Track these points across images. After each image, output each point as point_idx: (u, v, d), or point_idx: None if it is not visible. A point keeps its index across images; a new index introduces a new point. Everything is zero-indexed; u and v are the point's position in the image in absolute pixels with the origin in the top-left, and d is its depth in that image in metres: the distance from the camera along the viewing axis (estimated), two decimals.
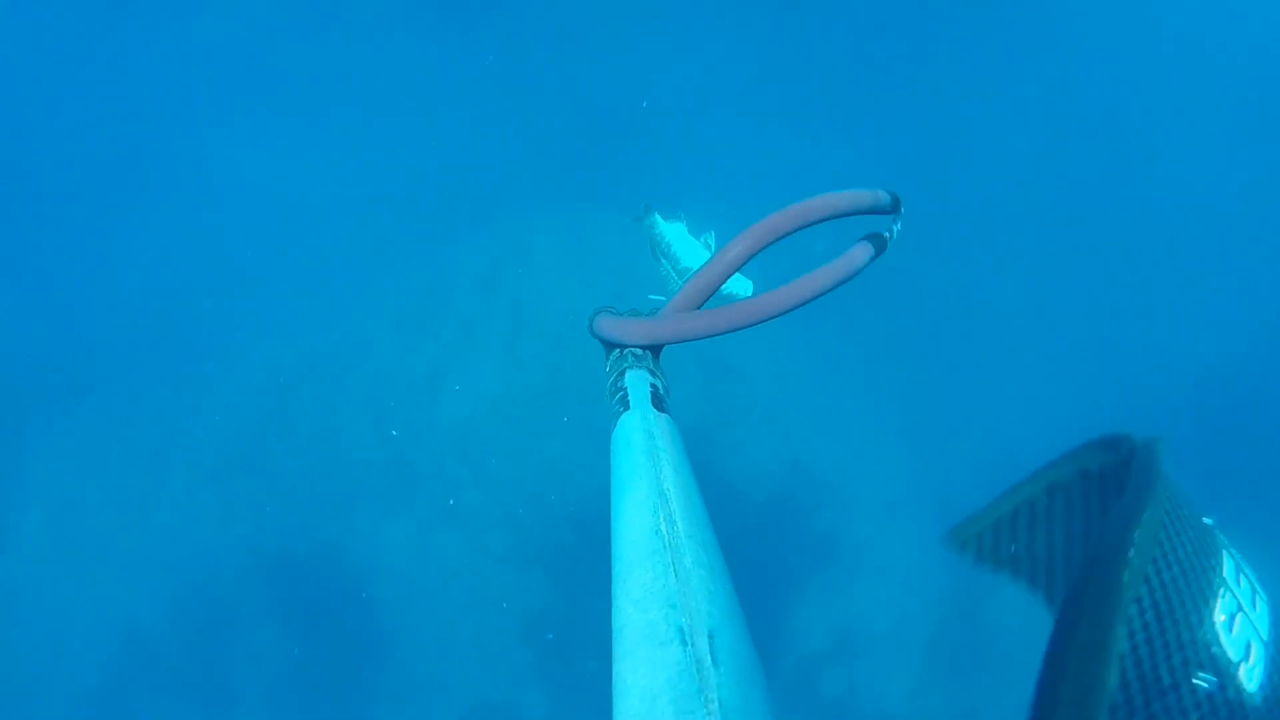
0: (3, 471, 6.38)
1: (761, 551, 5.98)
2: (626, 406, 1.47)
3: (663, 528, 1.13)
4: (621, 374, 1.60)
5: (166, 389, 6.39)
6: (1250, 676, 1.06)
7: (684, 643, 0.95)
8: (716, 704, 0.91)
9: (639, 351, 1.67)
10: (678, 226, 4.65)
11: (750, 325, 1.61)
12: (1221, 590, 1.16)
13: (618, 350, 1.70)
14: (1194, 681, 1.00)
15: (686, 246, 4.61)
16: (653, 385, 1.55)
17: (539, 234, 6.09)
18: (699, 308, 1.67)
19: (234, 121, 7.05)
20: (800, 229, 1.64)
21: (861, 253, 1.76)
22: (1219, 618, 1.11)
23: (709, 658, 0.95)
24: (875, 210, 1.80)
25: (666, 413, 1.48)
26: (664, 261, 4.60)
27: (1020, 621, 6.56)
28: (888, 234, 1.84)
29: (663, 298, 4.28)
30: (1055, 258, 7.68)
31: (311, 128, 6.96)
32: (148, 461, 6.28)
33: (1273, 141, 8.12)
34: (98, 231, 6.84)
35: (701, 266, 1.66)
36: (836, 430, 6.33)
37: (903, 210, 1.86)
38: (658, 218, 4.58)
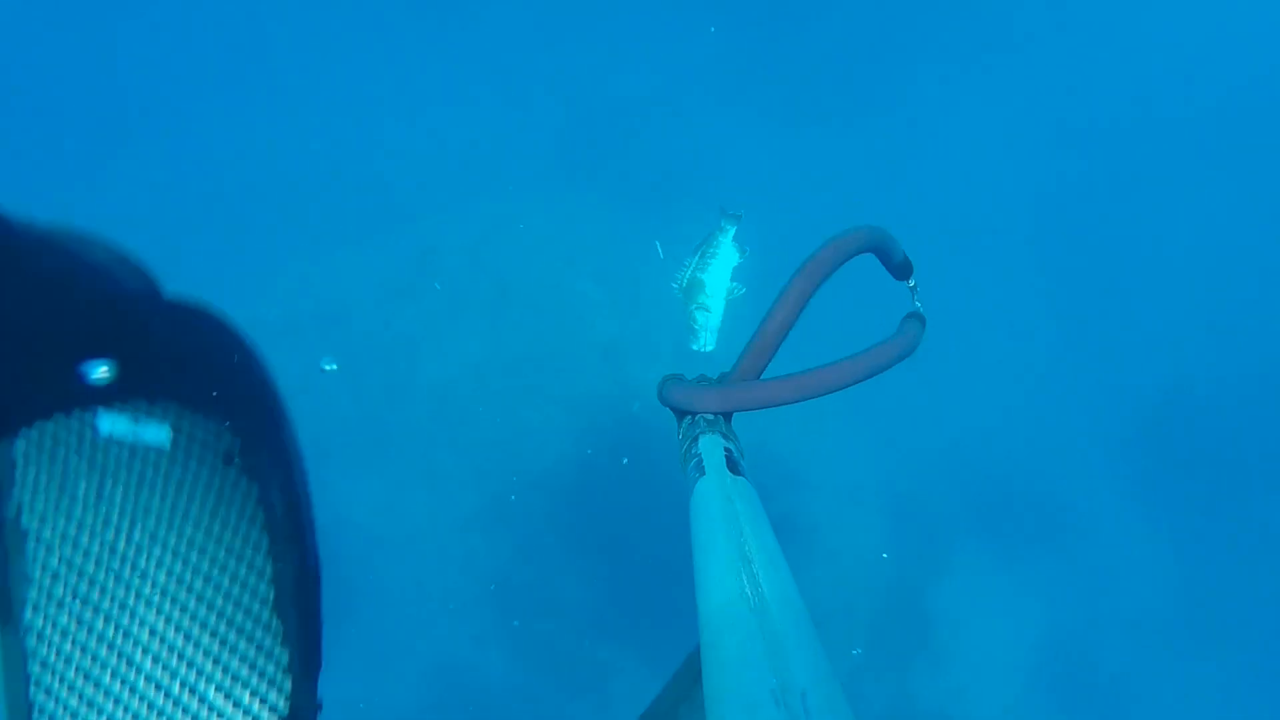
0: None
1: None
2: (702, 473, 1.48)
3: (748, 591, 1.15)
4: (695, 440, 1.61)
5: None
6: None
7: (777, 703, 0.96)
8: None
9: (710, 416, 1.68)
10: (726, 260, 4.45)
11: (827, 393, 1.63)
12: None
13: (690, 417, 1.70)
14: None
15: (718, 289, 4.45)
16: (727, 449, 1.55)
17: (526, 212, 6.28)
18: (763, 370, 1.69)
19: (233, 92, 7.14)
20: (841, 265, 1.67)
21: (914, 329, 1.83)
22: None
23: (804, 717, 0.95)
24: (886, 261, 1.89)
25: (742, 475, 1.47)
26: (697, 302, 4.46)
27: (957, 612, 7.00)
28: (916, 304, 1.94)
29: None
30: (1021, 258, 8.03)
31: (311, 99, 7.08)
32: None
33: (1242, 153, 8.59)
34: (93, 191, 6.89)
35: (760, 326, 1.67)
36: (803, 417, 6.64)
37: (913, 283, 1.97)
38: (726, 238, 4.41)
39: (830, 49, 8.17)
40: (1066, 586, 7.20)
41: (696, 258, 4.58)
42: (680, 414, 1.74)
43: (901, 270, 1.95)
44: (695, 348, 6.40)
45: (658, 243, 4.98)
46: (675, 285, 4.49)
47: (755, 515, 1.33)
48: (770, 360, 1.69)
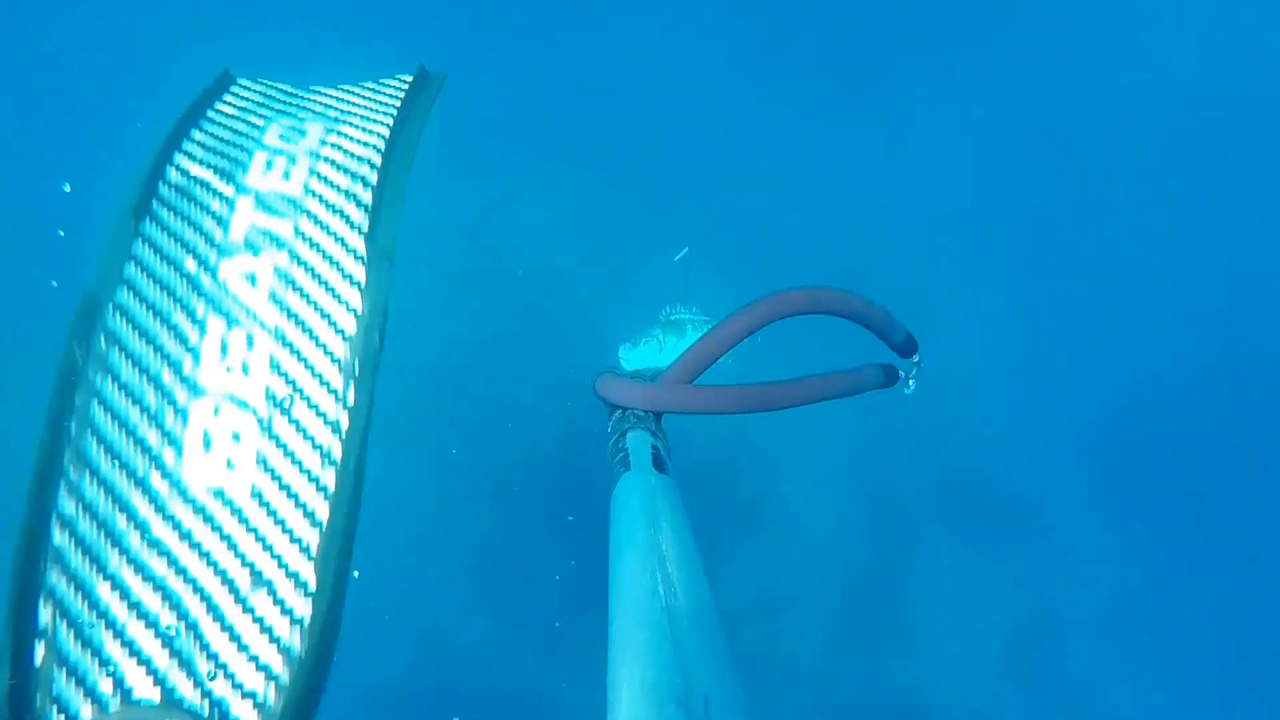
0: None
1: (696, 511, 6.41)
2: (627, 468, 1.45)
3: (660, 590, 1.11)
4: (623, 435, 1.59)
5: None
6: None
7: (680, 705, 0.94)
8: None
9: (641, 413, 1.67)
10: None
11: (758, 410, 1.60)
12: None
13: (621, 411, 1.70)
14: None
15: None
16: (654, 447, 1.54)
17: (523, 191, 6.45)
18: (699, 376, 1.66)
19: (234, 56, 7.18)
20: (811, 311, 1.62)
21: (873, 376, 1.77)
22: None
23: None
24: (883, 336, 1.79)
25: (668, 474, 1.46)
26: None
27: (928, 596, 7.15)
28: (904, 376, 1.85)
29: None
30: (995, 255, 8.20)
31: (312, 71, 7.14)
32: None
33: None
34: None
35: (704, 336, 1.65)
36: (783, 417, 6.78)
37: (918, 358, 1.85)
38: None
39: (832, 39, 8.30)
40: (1034, 574, 7.39)
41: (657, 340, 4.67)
42: (612, 407, 1.74)
43: (905, 350, 1.87)
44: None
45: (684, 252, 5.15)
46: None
47: (676, 515, 1.33)
48: (705, 369, 1.67)
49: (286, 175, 0.96)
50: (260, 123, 1.06)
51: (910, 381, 1.87)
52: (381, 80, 1.25)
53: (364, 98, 1.19)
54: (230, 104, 1.11)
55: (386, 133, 1.08)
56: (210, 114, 1.10)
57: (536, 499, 5.96)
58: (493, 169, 6.60)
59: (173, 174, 0.95)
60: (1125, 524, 7.79)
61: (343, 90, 1.24)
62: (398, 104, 1.15)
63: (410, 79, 1.23)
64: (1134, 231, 8.69)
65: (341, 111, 1.13)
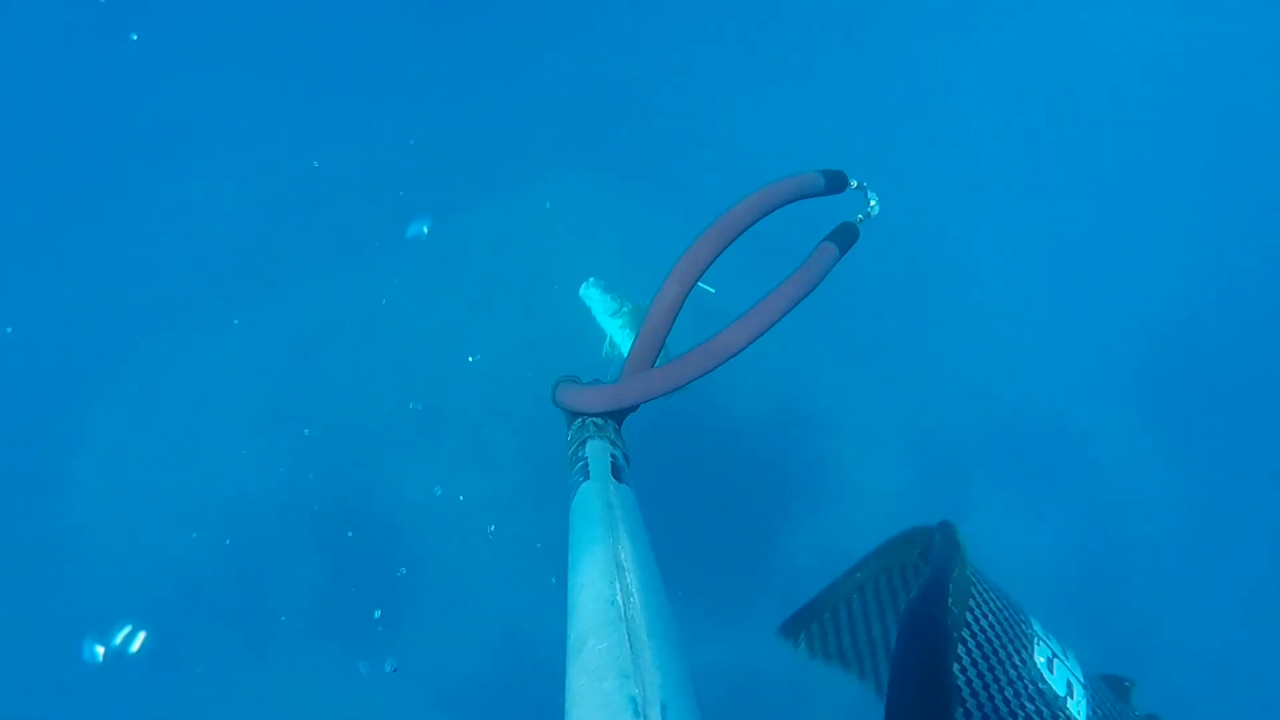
0: (60, 423, 6.82)
1: (754, 478, 6.60)
2: (586, 476, 1.45)
3: (618, 598, 1.13)
4: (583, 443, 1.58)
5: (206, 345, 6.81)
6: (1076, 710, 1.31)
7: (636, 714, 0.95)
8: None
9: (600, 421, 1.65)
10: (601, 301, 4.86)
11: (712, 368, 1.57)
12: (1035, 640, 1.41)
13: (580, 420, 1.67)
14: (1028, 709, 1.20)
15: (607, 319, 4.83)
16: (613, 455, 1.54)
17: (552, 200, 6.61)
18: (653, 363, 1.63)
19: (261, 80, 7.39)
20: (727, 245, 1.55)
21: (822, 260, 1.66)
22: (1039, 659, 1.34)
23: None
24: (811, 194, 1.70)
25: (626, 484, 1.46)
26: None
27: (985, 539, 7.28)
28: (863, 216, 1.76)
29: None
30: (1031, 197, 8.23)
31: (335, 91, 7.34)
32: (190, 412, 6.75)
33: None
34: (137, 188, 7.14)
35: (645, 319, 1.62)
36: (823, 369, 6.93)
37: (856, 182, 1.74)
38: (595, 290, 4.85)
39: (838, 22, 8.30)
40: (1087, 514, 7.47)
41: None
42: (571, 416, 1.71)
43: (835, 186, 1.76)
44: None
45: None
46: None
47: (634, 524, 1.32)
48: (657, 353, 1.62)
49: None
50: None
51: (870, 200, 1.75)
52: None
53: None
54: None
55: None
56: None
57: None
58: (522, 180, 6.78)
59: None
60: (1177, 453, 7.80)
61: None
62: None
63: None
64: (1172, 157, 8.61)
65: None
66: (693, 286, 1.55)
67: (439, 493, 6.34)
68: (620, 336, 5.04)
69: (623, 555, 1.22)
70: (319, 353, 6.77)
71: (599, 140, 7.01)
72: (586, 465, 1.49)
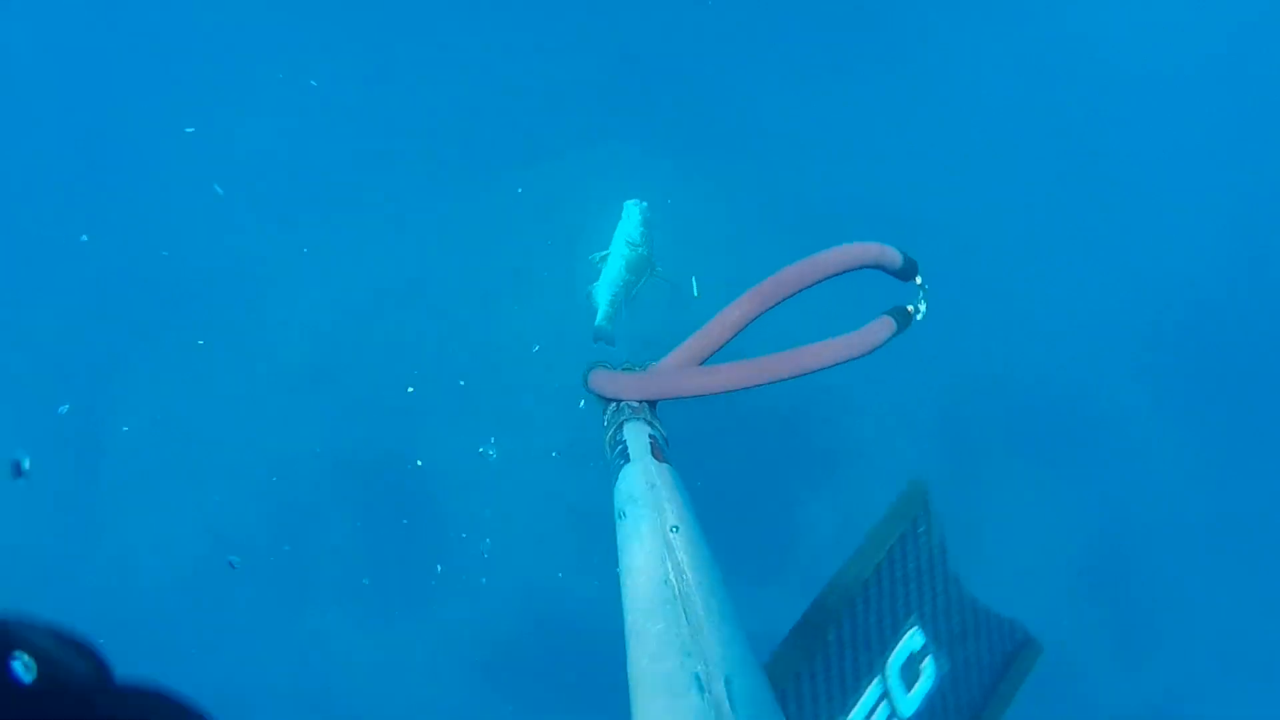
0: (105, 387, 7.07)
1: (781, 455, 6.75)
2: (627, 459, 1.44)
3: (671, 577, 1.12)
4: (620, 426, 1.57)
5: (252, 312, 7.05)
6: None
7: (701, 690, 0.95)
8: None
9: (635, 404, 1.63)
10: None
11: (745, 387, 1.56)
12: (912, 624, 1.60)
13: (615, 404, 1.66)
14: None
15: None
16: (651, 436, 1.51)
17: (594, 172, 6.74)
18: (698, 362, 1.61)
19: (306, 50, 7.54)
20: (805, 289, 1.57)
21: (881, 331, 1.67)
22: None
23: (727, 703, 0.94)
24: (887, 269, 1.72)
25: (667, 462, 1.44)
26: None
27: (1001, 521, 7.31)
28: (912, 309, 1.76)
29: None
30: (1050, 180, 8.19)
31: (379, 64, 7.48)
32: (235, 378, 6.96)
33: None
34: (184, 165, 7.35)
35: (703, 327, 1.61)
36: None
37: (921, 280, 1.78)
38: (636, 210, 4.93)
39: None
40: (1107, 489, 7.56)
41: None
42: (605, 401, 1.70)
43: (906, 273, 1.81)
44: (697, 296, 6.80)
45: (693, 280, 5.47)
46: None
47: (679, 501, 1.32)
48: (707, 358, 1.62)
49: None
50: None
51: (920, 305, 1.78)
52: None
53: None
54: None
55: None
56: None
57: None
58: (565, 152, 6.93)
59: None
60: (1195, 441, 7.84)
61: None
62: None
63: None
64: (1200, 140, 8.59)
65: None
66: (765, 310, 1.56)
67: (489, 453, 6.57)
68: (612, 267, 5.11)
69: (671, 534, 1.21)
70: (359, 323, 6.98)
71: (643, 120, 7.12)
72: (625, 448, 1.48)
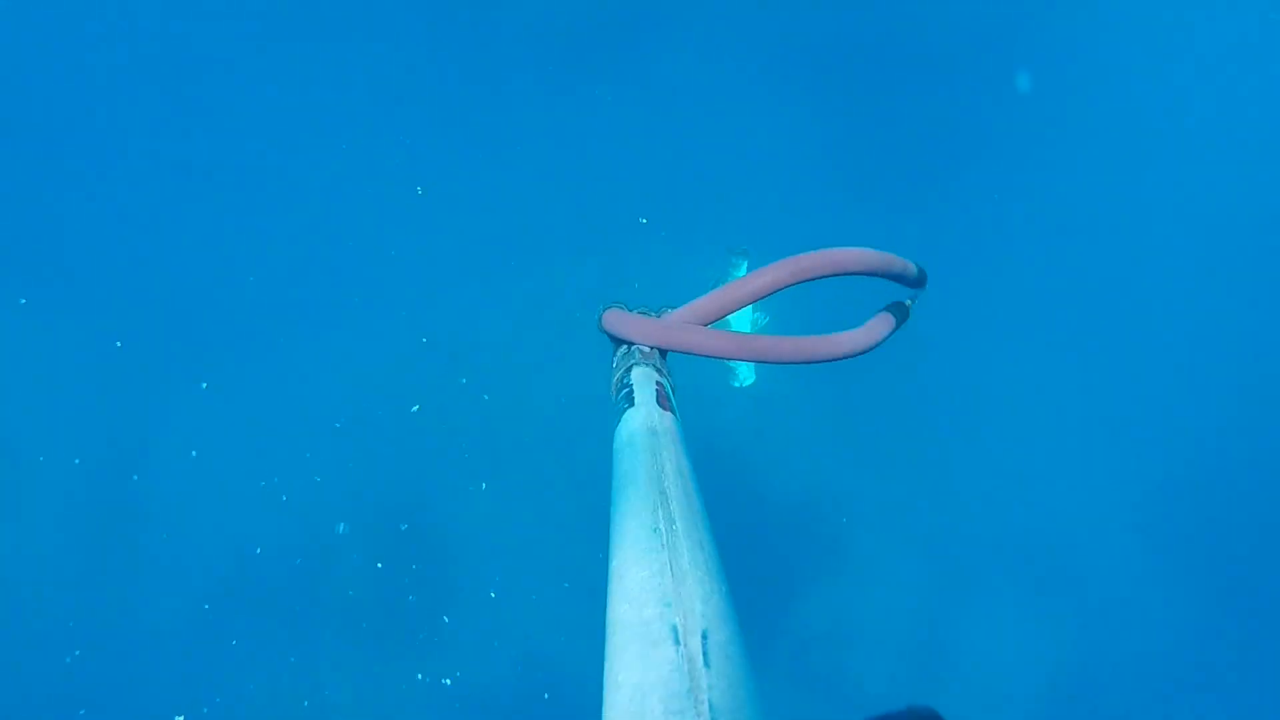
0: (155, 416, 7.28)
1: (773, 545, 7.01)
2: (631, 403, 1.42)
3: (661, 526, 1.11)
4: (628, 370, 1.53)
5: (300, 360, 7.38)
6: None
7: (676, 642, 0.94)
8: (706, 705, 0.90)
9: (646, 349, 1.60)
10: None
11: (756, 360, 1.54)
12: None
13: (625, 347, 1.63)
14: None
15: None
16: (659, 384, 1.48)
17: (638, 264, 7.30)
18: (710, 324, 1.60)
19: (403, 129, 7.90)
20: (827, 276, 1.55)
21: (883, 325, 1.69)
22: None
23: (701, 658, 0.93)
24: (900, 279, 1.72)
25: (672, 411, 1.42)
26: None
27: (978, 637, 7.63)
28: (908, 301, 1.78)
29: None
30: (1055, 333, 8.69)
31: (462, 150, 7.98)
32: (275, 419, 7.23)
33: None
34: (250, 213, 7.72)
35: (725, 285, 1.58)
36: (857, 454, 7.46)
37: (925, 287, 1.79)
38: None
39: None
40: (1078, 625, 7.86)
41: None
42: (618, 342, 1.67)
43: (917, 282, 1.83)
44: (737, 385, 7.37)
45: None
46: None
47: (678, 453, 1.29)
48: (722, 316, 1.61)
49: None
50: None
51: (911, 300, 1.78)
52: None
53: None
54: None
55: None
56: None
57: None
58: (614, 244, 7.46)
59: None
60: (1173, 581, 8.16)
61: None
62: None
63: None
64: (1198, 292, 9.04)
65: None
66: (793, 283, 1.55)
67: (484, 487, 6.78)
68: None
69: (666, 483, 1.20)
70: (401, 376, 7.30)
71: (680, 225, 7.63)
72: (631, 392, 1.46)
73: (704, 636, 0.95)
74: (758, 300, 1.54)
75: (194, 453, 7.27)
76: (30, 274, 7.44)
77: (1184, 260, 9.28)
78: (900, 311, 1.74)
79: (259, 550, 7.05)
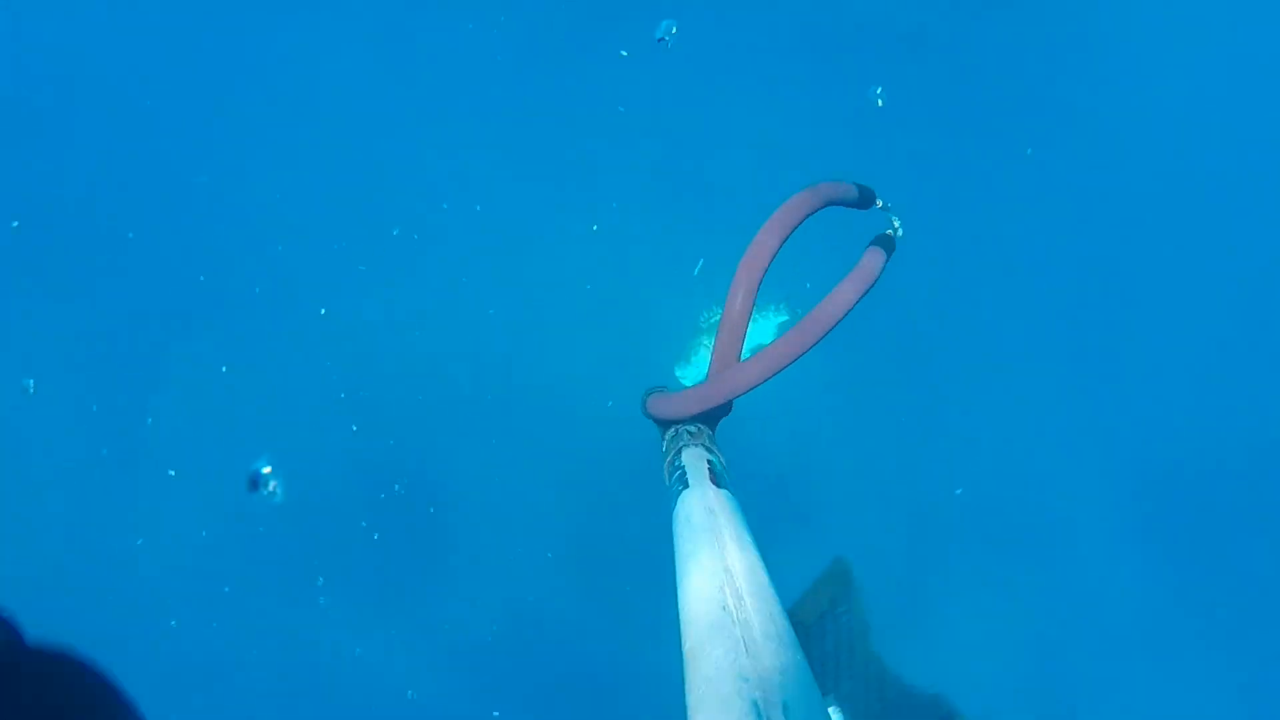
0: (155, 379, 7.47)
1: (761, 522, 7.14)
2: (686, 485, 1.45)
3: (730, 603, 1.12)
4: (678, 453, 1.58)
5: (304, 331, 7.52)
6: None
7: (759, 716, 0.93)
8: None
9: (694, 429, 1.63)
10: None
11: (797, 356, 1.56)
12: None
13: (673, 429, 1.66)
14: None
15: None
16: (710, 462, 1.52)
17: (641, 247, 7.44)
18: (736, 359, 1.60)
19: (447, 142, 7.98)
20: (784, 241, 1.56)
21: (875, 259, 1.69)
22: None
23: None
24: (844, 203, 1.72)
25: (725, 488, 1.44)
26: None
27: (956, 602, 7.75)
28: (891, 231, 1.77)
29: None
30: (1049, 298, 8.64)
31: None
32: (275, 382, 7.38)
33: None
34: (257, 192, 7.81)
35: (718, 331, 1.59)
36: (841, 433, 7.63)
37: (881, 202, 1.78)
38: None
39: None
40: (1057, 594, 7.97)
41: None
42: (664, 426, 1.70)
43: (864, 201, 1.80)
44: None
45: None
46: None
47: (738, 528, 1.32)
48: (739, 349, 1.60)
49: None
50: None
51: (895, 224, 1.77)
52: None
53: None
54: None
55: None
56: None
57: (626, 494, 6.85)
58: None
59: None
60: (1152, 562, 8.23)
61: None
62: None
63: None
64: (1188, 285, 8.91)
65: None
66: (759, 283, 1.54)
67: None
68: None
69: (730, 559, 1.21)
70: (404, 344, 7.49)
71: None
72: (684, 474, 1.49)
73: (785, 708, 0.95)
74: (750, 307, 1.55)
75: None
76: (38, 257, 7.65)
77: (1168, 237, 9.13)
78: (886, 242, 1.74)
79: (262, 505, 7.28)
